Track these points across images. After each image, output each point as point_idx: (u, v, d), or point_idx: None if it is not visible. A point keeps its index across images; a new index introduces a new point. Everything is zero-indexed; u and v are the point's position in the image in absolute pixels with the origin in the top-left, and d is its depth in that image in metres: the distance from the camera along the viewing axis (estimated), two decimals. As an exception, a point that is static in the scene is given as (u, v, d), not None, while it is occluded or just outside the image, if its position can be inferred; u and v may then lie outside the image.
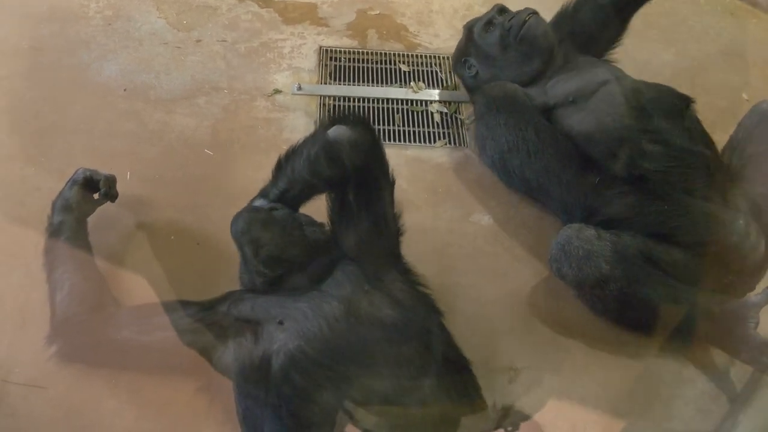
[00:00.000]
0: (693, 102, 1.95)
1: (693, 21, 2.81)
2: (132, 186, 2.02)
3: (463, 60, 2.19)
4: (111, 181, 1.84)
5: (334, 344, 1.32)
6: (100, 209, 1.86)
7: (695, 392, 1.71)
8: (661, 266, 1.71)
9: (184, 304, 1.56)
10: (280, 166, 1.56)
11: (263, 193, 1.59)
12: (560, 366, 1.71)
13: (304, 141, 1.54)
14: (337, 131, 1.46)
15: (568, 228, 1.75)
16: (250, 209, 1.55)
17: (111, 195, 1.84)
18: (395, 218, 1.57)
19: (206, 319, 1.50)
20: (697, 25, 2.80)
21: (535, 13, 2.05)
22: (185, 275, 1.79)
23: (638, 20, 2.72)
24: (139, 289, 1.77)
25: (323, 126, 1.51)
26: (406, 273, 1.54)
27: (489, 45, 2.11)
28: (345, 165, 1.45)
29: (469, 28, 2.19)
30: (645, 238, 1.74)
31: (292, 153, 1.53)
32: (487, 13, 2.15)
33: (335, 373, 1.29)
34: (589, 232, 1.72)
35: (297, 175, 1.50)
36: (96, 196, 1.83)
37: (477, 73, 2.15)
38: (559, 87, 1.99)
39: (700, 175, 1.81)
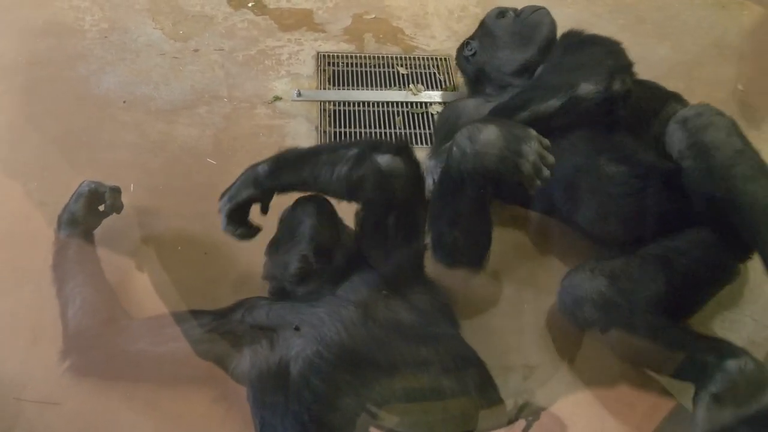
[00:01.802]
0: (681, 99, 1.96)
1: (686, 15, 2.83)
2: (137, 197, 2.01)
3: (466, 42, 2.20)
4: (116, 192, 1.84)
5: (352, 348, 1.32)
6: (106, 221, 1.86)
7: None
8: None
9: (197, 313, 1.56)
10: (290, 165, 1.54)
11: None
12: (574, 362, 1.72)
13: (333, 152, 1.50)
14: (389, 162, 1.43)
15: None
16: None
17: (116, 206, 1.84)
18: (424, 236, 1.57)
19: (220, 328, 1.50)
20: (690, 18, 2.82)
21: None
22: (194, 285, 1.79)
23: (632, 15, 2.76)
24: (149, 300, 1.77)
25: (365, 148, 1.47)
26: (426, 282, 1.54)
27: (497, 26, 2.11)
28: (394, 195, 1.45)
29: (483, 18, 2.20)
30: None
31: (310, 159, 1.51)
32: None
33: (355, 376, 1.29)
34: (582, 274, 1.63)
35: (324, 185, 1.49)
36: (101, 208, 1.83)
37: (475, 53, 2.15)
38: None
39: None
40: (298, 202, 1.62)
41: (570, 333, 1.77)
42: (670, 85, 2.05)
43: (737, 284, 1.82)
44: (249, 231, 1.62)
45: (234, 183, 1.60)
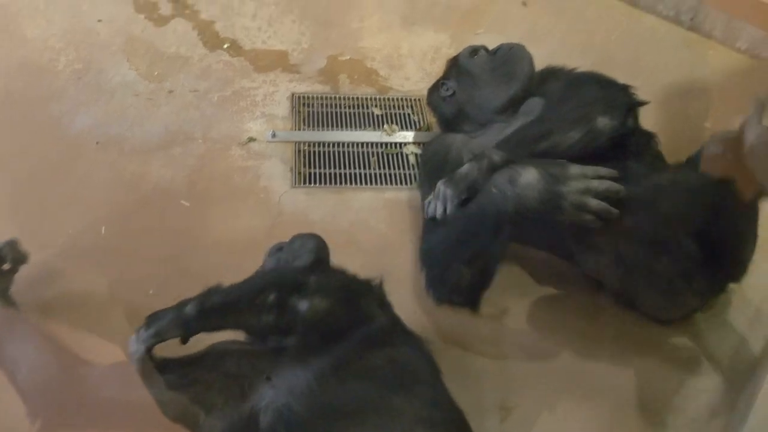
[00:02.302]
0: (654, 137, 2.00)
1: (653, 54, 2.89)
2: (107, 240, 2.00)
3: (441, 83, 2.22)
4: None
5: (323, 400, 1.31)
6: (76, 266, 1.84)
7: (686, 420, 1.72)
8: None
9: (164, 362, 1.53)
10: (216, 312, 1.52)
11: None
12: (552, 403, 1.72)
13: (252, 301, 1.49)
14: (309, 307, 1.45)
15: None
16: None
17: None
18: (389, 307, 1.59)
19: (188, 377, 1.47)
20: (657, 58, 2.88)
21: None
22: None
23: (601, 55, 2.81)
24: (117, 349, 1.74)
25: (282, 293, 1.47)
26: (401, 331, 1.53)
27: (474, 65, 2.15)
28: (328, 326, 1.45)
29: (454, 57, 2.24)
30: None
31: (233, 307, 1.50)
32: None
33: (326, 429, 1.27)
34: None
35: (254, 331, 1.50)
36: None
37: (454, 93, 2.17)
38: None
39: None
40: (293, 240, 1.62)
41: (549, 371, 1.79)
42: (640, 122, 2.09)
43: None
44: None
45: (156, 317, 1.53)
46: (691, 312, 1.89)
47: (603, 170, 1.66)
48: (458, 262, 1.75)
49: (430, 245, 1.85)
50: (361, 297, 1.53)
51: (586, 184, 1.64)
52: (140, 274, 1.92)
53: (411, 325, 1.60)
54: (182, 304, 1.50)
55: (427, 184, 2.02)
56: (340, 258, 1.71)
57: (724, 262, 1.83)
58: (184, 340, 1.52)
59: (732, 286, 1.92)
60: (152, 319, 1.51)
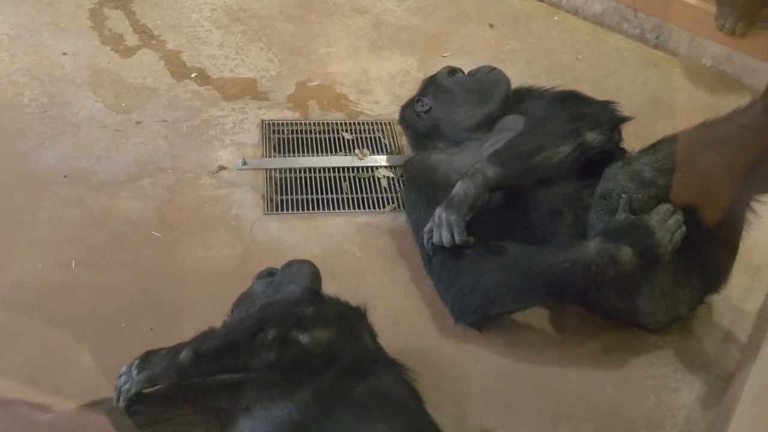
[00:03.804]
0: (627, 154, 2.02)
1: (620, 73, 2.93)
2: (77, 275, 1.96)
3: (417, 99, 2.25)
4: None
5: (304, 430, 1.27)
6: (46, 302, 1.80)
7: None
8: None
9: (141, 397, 1.49)
10: (212, 356, 1.49)
11: None
12: (531, 424, 1.70)
13: (251, 340, 1.47)
14: (312, 338, 1.44)
15: None
16: None
17: None
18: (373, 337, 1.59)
19: (165, 412, 1.44)
20: (624, 77, 2.92)
21: None
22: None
23: (569, 76, 2.85)
24: (92, 382, 1.70)
25: (281, 329, 1.46)
26: (383, 361, 1.51)
27: (452, 83, 2.21)
28: (330, 356, 1.45)
29: (431, 76, 2.29)
30: None
31: (231, 348, 1.47)
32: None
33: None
34: None
35: (255, 370, 1.46)
36: None
37: (430, 109, 2.20)
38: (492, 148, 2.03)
39: None
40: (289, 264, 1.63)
41: (528, 392, 1.77)
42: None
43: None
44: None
45: (150, 362, 1.50)
46: (676, 318, 1.92)
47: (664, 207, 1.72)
48: (512, 302, 1.83)
49: (474, 276, 1.84)
50: (359, 326, 1.52)
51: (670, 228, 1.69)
52: (111, 309, 1.88)
53: (388, 349, 1.59)
54: (177, 350, 1.47)
55: (418, 208, 2.03)
56: (315, 284, 1.69)
57: (706, 273, 1.86)
58: (175, 389, 1.49)
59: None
60: (146, 362, 1.48)
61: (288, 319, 1.47)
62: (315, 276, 1.65)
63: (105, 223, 2.11)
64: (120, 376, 1.49)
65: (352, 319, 1.53)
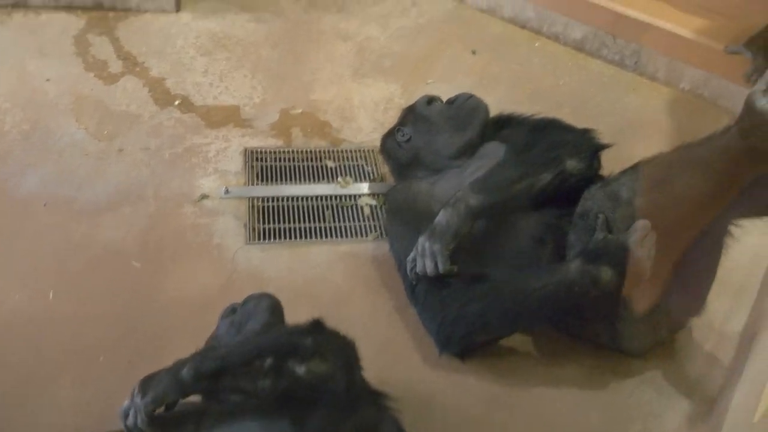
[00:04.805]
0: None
1: (600, 98, 2.96)
2: (56, 305, 1.95)
3: (397, 129, 2.26)
4: None
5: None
6: (23, 334, 1.78)
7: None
8: None
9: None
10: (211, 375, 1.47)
11: None
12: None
13: (248, 364, 1.46)
14: (309, 370, 1.43)
15: None
16: None
17: None
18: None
19: None
20: (604, 101, 2.95)
21: None
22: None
23: (550, 101, 2.87)
24: (69, 416, 1.68)
25: (279, 357, 1.44)
26: (368, 394, 1.51)
27: (431, 112, 2.22)
28: (325, 390, 1.44)
29: (410, 105, 2.30)
30: None
31: (228, 371, 1.46)
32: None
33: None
34: None
35: (251, 393, 1.45)
36: None
37: (410, 138, 2.21)
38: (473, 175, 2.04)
39: None
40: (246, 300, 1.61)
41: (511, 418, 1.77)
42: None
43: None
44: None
45: (151, 383, 1.48)
46: (658, 343, 1.93)
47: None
48: (497, 329, 1.85)
49: (458, 305, 1.84)
50: (356, 358, 1.52)
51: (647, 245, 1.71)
52: (90, 340, 1.87)
53: (372, 379, 1.58)
54: (178, 368, 1.46)
55: (400, 238, 2.04)
56: (297, 314, 1.67)
57: (685, 296, 1.88)
58: (173, 405, 1.48)
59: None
60: (147, 384, 1.46)
61: (285, 348, 1.46)
62: (274, 309, 1.64)
63: (85, 251, 2.10)
64: (125, 414, 1.46)
65: (347, 352, 1.52)
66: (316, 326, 1.53)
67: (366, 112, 2.72)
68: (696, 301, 1.93)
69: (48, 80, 2.72)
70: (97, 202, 2.26)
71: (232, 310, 1.68)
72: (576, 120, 2.76)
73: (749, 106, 1.58)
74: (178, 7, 3.14)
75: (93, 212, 2.23)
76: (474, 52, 3.13)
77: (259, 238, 2.18)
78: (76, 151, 2.44)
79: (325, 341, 1.49)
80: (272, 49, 3.01)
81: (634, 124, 2.84)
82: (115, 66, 2.82)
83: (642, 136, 2.75)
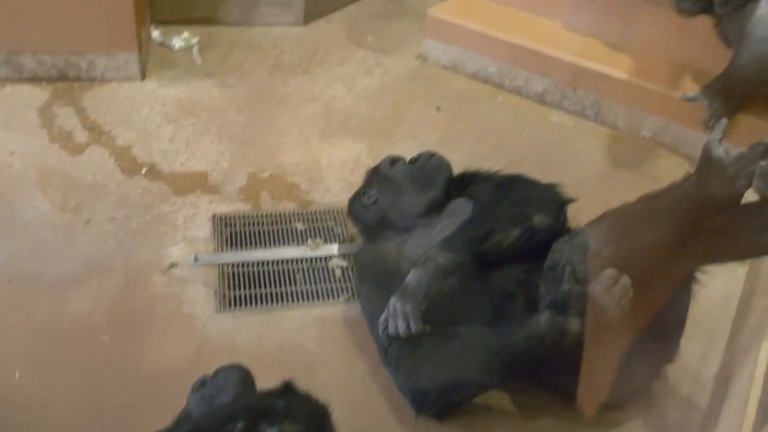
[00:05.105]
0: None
1: (564, 149, 3.02)
2: (22, 386, 1.89)
3: (363, 191, 2.27)
4: None
5: None
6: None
7: None
8: None
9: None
10: None
11: None
12: None
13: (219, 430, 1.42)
14: None
15: None
16: None
17: None
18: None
19: None
20: (568, 152, 3.00)
21: None
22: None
23: (514, 154, 2.92)
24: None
25: (250, 422, 1.37)
26: None
27: (395, 173, 2.24)
28: None
29: (374, 167, 2.31)
30: None
31: None
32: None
33: None
34: None
35: None
36: None
37: (377, 200, 2.23)
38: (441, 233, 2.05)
39: None
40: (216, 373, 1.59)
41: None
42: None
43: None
44: None
45: None
46: (634, 393, 1.93)
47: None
48: (472, 387, 1.84)
49: (432, 366, 1.83)
50: (329, 421, 1.48)
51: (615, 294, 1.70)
52: (58, 421, 1.81)
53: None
54: None
55: (371, 300, 2.03)
56: (269, 383, 1.64)
57: (658, 345, 1.89)
58: None
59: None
60: None
61: (257, 412, 1.43)
62: (245, 380, 1.62)
63: (52, 328, 2.06)
64: None
65: (320, 415, 1.49)
66: (288, 389, 1.51)
67: (334, 173, 2.74)
68: (669, 347, 1.94)
69: (12, 153, 2.70)
70: (63, 276, 2.23)
71: (202, 383, 1.65)
72: (541, 171, 2.81)
73: (706, 155, 1.62)
74: (143, 75, 3.17)
75: (59, 287, 2.19)
76: (438, 109, 3.19)
77: (229, 305, 2.16)
78: (41, 225, 2.41)
79: (296, 403, 1.46)
80: (238, 113, 3.03)
81: (598, 174, 2.89)
82: (81, 136, 2.82)
83: (607, 185, 2.80)
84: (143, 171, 2.66)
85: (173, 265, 2.28)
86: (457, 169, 2.28)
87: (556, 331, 1.71)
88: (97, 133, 2.84)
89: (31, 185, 2.57)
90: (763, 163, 1.50)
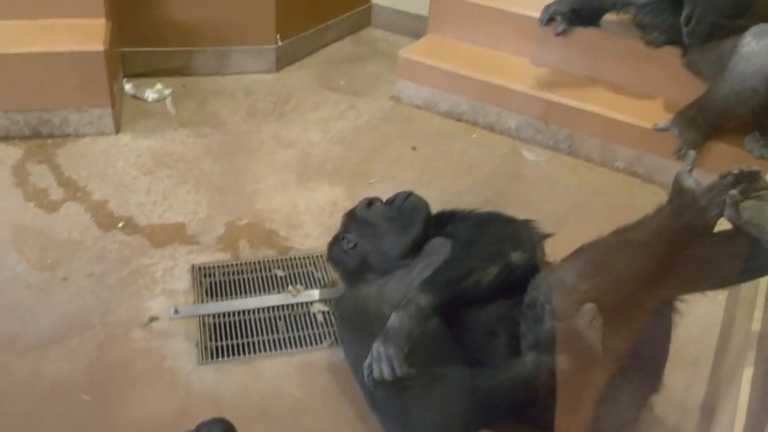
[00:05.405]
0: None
1: (541, 183, 3.05)
2: (2, 453, 1.85)
3: (342, 236, 2.26)
4: None
5: None
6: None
7: None
8: None
9: None
10: None
11: None
12: None
13: None
14: None
15: None
16: None
17: None
18: None
19: None
20: (544, 186, 3.03)
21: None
22: None
23: (492, 189, 2.95)
24: None
25: None
26: None
27: (372, 216, 2.23)
28: None
29: (351, 211, 2.31)
30: None
31: None
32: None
33: None
34: None
35: None
36: None
37: (356, 245, 2.21)
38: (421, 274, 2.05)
39: None
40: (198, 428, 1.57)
41: None
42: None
43: None
44: None
45: None
46: (621, 425, 1.91)
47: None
48: (461, 429, 1.81)
49: (419, 409, 1.81)
50: None
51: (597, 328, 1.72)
52: (39, 486, 1.78)
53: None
54: None
55: (354, 345, 2.02)
56: (254, 434, 1.64)
57: (644, 374, 1.89)
58: None
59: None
60: None
61: None
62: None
63: (31, 390, 2.01)
64: None
65: None
66: None
67: (312, 218, 2.74)
68: (653, 378, 1.94)
69: (-14, 214, 2.68)
70: (41, 336, 2.19)
71: None
72: (518, 205, 2.84)
73: (678, 187, 1.65)
74: (117, 129, 3.17)
75: (38, 347, 2.15)
76: (414, 149, 3.21)
77: (211, 357, 2.13)
78: (17, 284, 2.38)
79: None
80: (214, 162, 3.04)
81: (575, 206, 2.92)
82: (56, 193, 2.80)
83: (584, 217, 2.83)
84: (120, 225, 2.64)
85: (153, 318, 2.25)
86: (435, 207, 2.29)
87: (542, 372, 1.70)
88: (72, 189, 2.83)
89: (6, 245, 2.54)
90: (733, 192, 1.52)
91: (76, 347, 2.15)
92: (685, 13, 2.89)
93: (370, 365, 1.86)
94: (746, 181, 1.54)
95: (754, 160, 2.84)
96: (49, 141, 3.08)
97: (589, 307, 1.72)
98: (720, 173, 1.57)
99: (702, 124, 2.89)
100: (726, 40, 2.77)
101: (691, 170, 1.67)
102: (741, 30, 2.69)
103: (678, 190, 1.65)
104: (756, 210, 1.53)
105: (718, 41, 2.82)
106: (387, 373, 1.83)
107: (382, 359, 1.84)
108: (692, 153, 1.72)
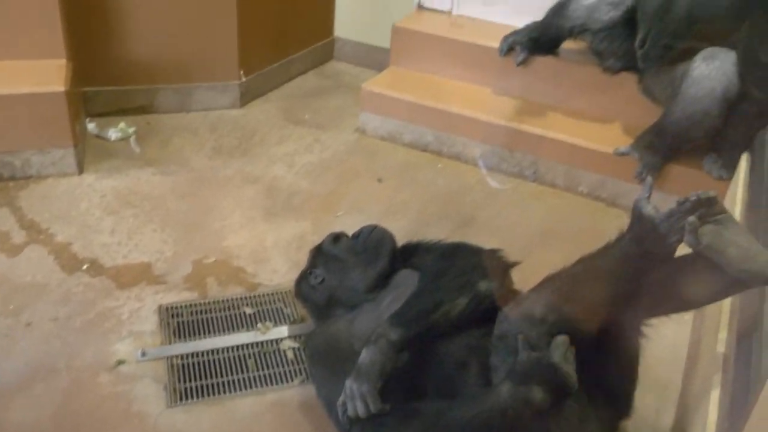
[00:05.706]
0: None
1: (507, 211, 3.08)
2: None
3: (309, 272, 2.25)
4: None
5: None
6: None
7: None
8: None
9: None
10: None
11: None
12: None
13: None
14: None
15: None
16: None
17: None
18: None
19: None
20: (511, 213, 3.06)
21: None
22: None
23: (458, 219, 2.97)
24: None
25: None
26: None
27: (339, 251, 2.23)
28: None
29: (317, 246, 2.30)
30: None
31: None
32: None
33: None
34: None
35: None
36: None
37: (323, 280, 2.21)
38: (389, 307, 2.06)
39: None
40: None
41: None
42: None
43: None
44: None
45: None
46: None
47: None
48: None
49: None
50: None
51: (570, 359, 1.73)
52: None
53: None
54: None
55: (326, 382, 2.00)
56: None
57: (614, 400, 1.90)
58: None
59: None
60: None
61: None
62: None
63: (-5, 441, 1.97)
64: None
65: None
66: None
67: (280, 253, 2.73)
68: (624, 403, 1.95)
69: (-57, 267, 2.62)
70: (5, 384, 2.13)
71: None
72: (486, 234, 2.87)
73: (637, 214, 1.68)
74: (80, 169, 3.13)
75: (2, 395, 2.09)
76: (380, 180, 3.23)
77: (180, 399, 2.10)
78: (-21, 332, 2.33)
79: None
80: (180, 200, 3.02)
81: (541, 232, 2.95)
82: (18, 236, 2.75)
83: (551, 243, 2.86)
84: (84, 267, 2.61)
85: (120, 362, 2.21)
86: (403, 237, 2.30)
87: (519, 403, 1.70)
88: (35, 231, 2.79)
89: (-33, 292, 2.49)
90: (691, 219, 1.55)
91: (42, 394, 2.11)
92: (639, 36, 2.97)
93: (344, 403, 1.85)
94: (704, 206, 1.57)
95: (713, 181, 2.91)
96: (11, 183, 3.03)
97: (562, 339, 1.73)
98: (678, 200, 1.60)
99: (660, 147, 2.96)
100: (679, 65, 2.85)
101: (649, 197, 1.70)
102: (693, 53, 2.77)
103: (638, 218, 1.68)
104: (714, 235, 1.56)
105: (671, 66, 2.90)
106: (361, 410, 1.82)
107: (356, 396, 1.83)
108: (649, 179, 1.76)
